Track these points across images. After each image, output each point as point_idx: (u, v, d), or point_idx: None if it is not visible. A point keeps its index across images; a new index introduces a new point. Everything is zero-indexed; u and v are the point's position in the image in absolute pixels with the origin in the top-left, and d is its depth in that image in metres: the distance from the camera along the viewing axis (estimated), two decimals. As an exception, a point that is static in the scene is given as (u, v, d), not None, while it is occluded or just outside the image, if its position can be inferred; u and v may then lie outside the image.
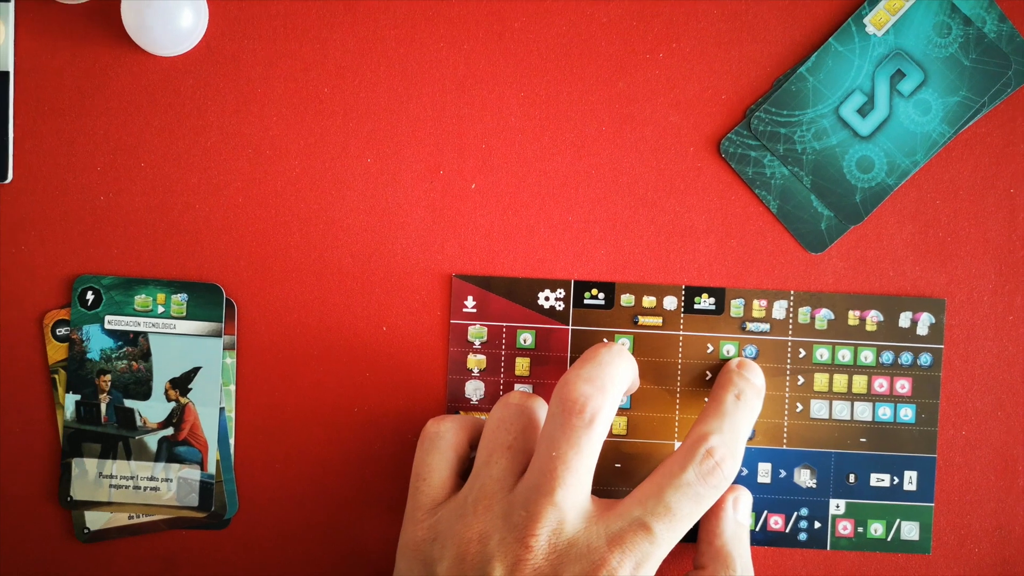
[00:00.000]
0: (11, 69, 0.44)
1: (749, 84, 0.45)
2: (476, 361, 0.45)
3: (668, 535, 0.38)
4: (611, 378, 0.39)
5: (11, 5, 0.44)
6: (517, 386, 0.45)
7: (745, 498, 0.43)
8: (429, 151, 0.45)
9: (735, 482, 0.44)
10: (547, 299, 0.45)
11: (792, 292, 0.45)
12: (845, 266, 0.45)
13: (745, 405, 0.42)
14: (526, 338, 0.45)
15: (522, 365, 0.45)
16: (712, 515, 0.42)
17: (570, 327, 0.45)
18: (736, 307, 0.45)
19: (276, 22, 0.45)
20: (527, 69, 0.45)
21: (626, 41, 0.45)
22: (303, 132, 0.45)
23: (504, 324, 0.45)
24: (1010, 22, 0.44)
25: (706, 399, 0.45)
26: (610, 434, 0.45)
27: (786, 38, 0.45)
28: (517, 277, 0.45)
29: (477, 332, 0.45)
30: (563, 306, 0.45)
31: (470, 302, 0.45)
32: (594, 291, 0.45)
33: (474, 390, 0.45)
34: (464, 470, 0.42)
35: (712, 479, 0.39)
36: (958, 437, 0.45)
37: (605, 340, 0.45)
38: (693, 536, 0.43)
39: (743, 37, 0.45)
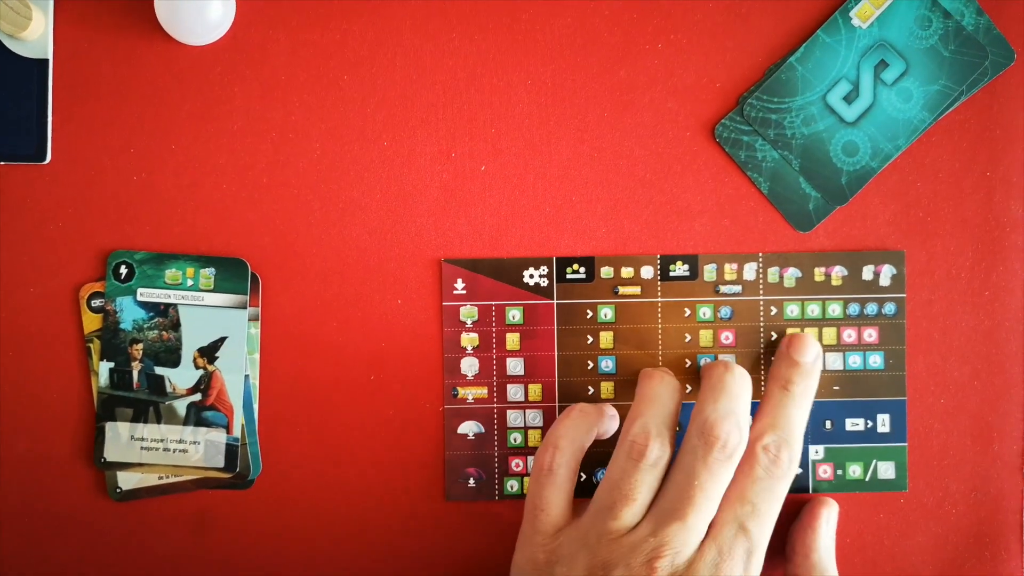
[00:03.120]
0: (51, 56, 0.47)
1: (742, 73, 0.48)
2: (469, 339, 0.48)
3: (759, 531, 0.42)
4: (744, 410, 0.43)
5: (50, -3, 0.47)
6: (510, 360, 0.48)
7: (835, 513, 0.47)
8: (441, 135, 0.48)
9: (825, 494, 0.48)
10: (531, 276, 0.48)
11: (760, 254, 0.48)
12: (831, 244, 0.48)
13: (791, 394, 0.45)
14: (514, 315, 0.48)
15: (512, 340, 0.48)
16: (808, 528, 0.46)
17: (555, 301, 0.48)
18: (709, 272, 0.48)
19: (299, 14, 0.47)
20: (534, 58, 0.48)
21: (627, 32, 0.48)
22: (323, 117, 0.48)
23: (493, 303, 0.48)
24: (987, 16, 0.47)
25: (688, 362, 0.48)
26: (599, 398, 0.48)
27: (777, 30, 0.48)
28: (502, 258, 0.48)
29: (468, 312, 0.48)
30: (547, 282, 0.48)
31: (459, 284, 0.48)
32: (575, 266, 0.48)
33: (469, 367, 0.48)
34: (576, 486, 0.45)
35: (776, 471, 0.43)
36: (928, 379, 0.48)
37: (718, 356, 0.48)
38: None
39: (736, 29, 0.48)
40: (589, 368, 0.48)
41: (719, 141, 0.48)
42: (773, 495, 0.43)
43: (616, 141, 0.48)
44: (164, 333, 0.47)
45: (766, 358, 0.48)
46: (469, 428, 0.48)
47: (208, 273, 0.47)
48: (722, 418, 0.42)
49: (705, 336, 0.48)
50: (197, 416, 0.47)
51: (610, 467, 0.43)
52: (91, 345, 0.47)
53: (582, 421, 0.45)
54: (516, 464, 0.48)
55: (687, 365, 0.48)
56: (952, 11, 0.47)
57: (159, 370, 0.47)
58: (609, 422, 0.46)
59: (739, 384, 0.44)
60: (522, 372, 0.48)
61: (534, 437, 0.48)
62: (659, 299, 0.48)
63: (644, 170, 0.48)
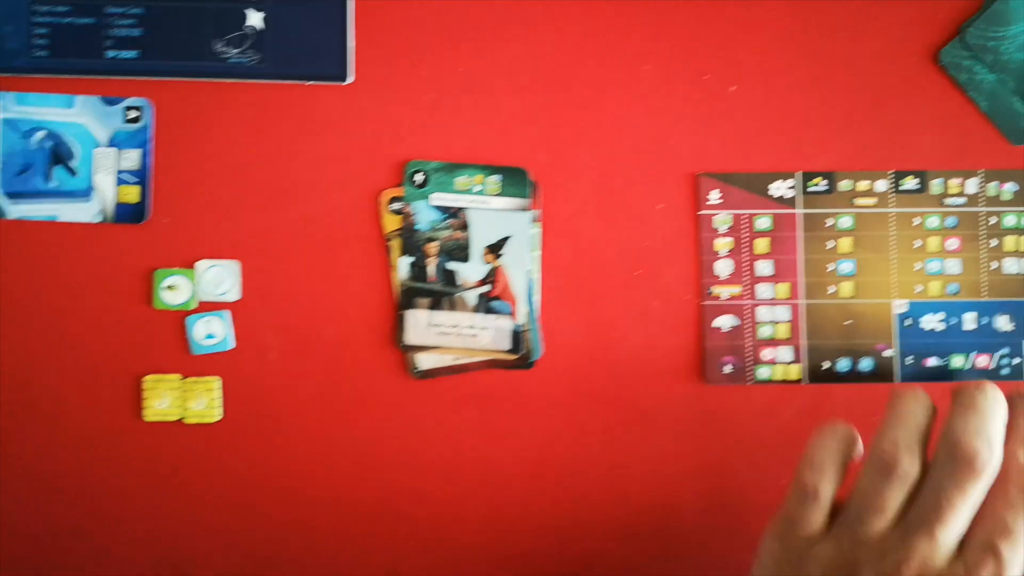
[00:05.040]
0: (355, -10, 0.54)
1: (963, 5, 0.54)
2: (723, 244, 0.54)
3: (1012, 555, 0.42)
4: (997, 431, 0.43)
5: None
6: (759, 263, 0.54)
7: None
8: (696, 60, 0.54)
9: None
10: (778, 188, 0.54)
11: (982, 170, 0.54)
12: (1043, 156, 0.54)
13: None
14: (763, 222, 0.54)
15: (762, 245, 0.54)
16: None
17: (799, 211, 0.54)
18: (936, 186, 0.54)
19: (569, -46, 0.54)
20: (779, -8, 0.54)
21: (859, -29, 0.54)
22: (593, 45, 0.54)
23: (744, 211, 0.54)
24: None
25: (917, 264, 0.53)
26: (838, 297, 0.54)
27: (993, -32, 0.54)
28: (752, 172, 0.54)
29: (722, 219, 0.54)
30: (792, 194, 0.54)
31: (714, 195, 0.54)
32: (817, 180, 0.54)
33: (723, 268, 0.54)
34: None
35: None
36: None
37: (979, 380, 0.49)
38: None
39: (958, -33, 0.54)
40: (829, 270, 0.54)
41: (942, 65, 0.54)
42: None
43: (850, 65, 0.54)
44: (455, 232, 0.53)
45: (986, 263, 0.54)
46: (724, 322, 0.54)
47: (494, 180, 0.53)
48: (973, 437, 0.42)
49: (933, 242, 0.54)
50: (486, 305, 0.53)
51: (860, 479, 0.44)
52: (391, 243, 0.53)
53: (843, 444, 0.46)
54: (765, 354, 0.54)
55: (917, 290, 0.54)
56: None
57: (451, 265, 0.53)
58: (859, 444, 0.48)
59: (991, 404, 0.44)
60: (772, 273, 0.54)
61: (782, 331, 0.54)
62: (892, 209, 0.54)
63: (874, 92, 0.54)
